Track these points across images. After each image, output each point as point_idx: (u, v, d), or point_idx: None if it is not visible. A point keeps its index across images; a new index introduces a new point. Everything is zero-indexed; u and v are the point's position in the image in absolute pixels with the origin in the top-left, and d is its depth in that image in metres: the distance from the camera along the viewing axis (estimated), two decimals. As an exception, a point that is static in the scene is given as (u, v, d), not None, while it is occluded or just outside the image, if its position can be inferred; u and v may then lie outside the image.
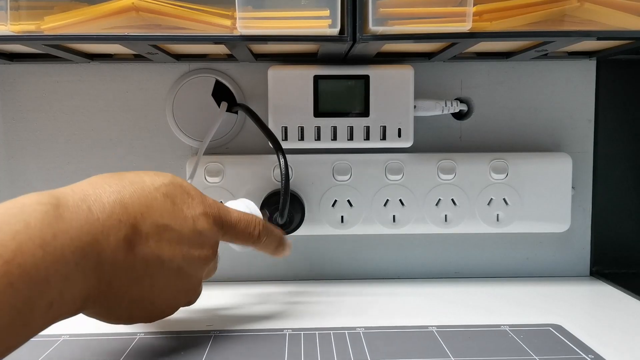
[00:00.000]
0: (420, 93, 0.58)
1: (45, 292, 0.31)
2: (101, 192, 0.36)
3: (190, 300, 0.43)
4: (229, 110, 0.58)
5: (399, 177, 0.58)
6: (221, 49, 0.53)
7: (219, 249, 0.44)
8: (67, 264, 0.32)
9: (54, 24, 0.44)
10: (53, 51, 0.51)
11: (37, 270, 0.30)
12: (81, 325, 0.46)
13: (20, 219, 0.31)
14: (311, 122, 0.55)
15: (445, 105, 0.58)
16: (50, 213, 0.32)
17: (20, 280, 0.29)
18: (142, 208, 0.37)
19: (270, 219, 0.55)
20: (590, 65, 0.60)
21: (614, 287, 0.58)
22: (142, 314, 0.39)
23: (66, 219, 0.33)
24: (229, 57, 0.57)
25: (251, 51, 0.53)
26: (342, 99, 0.55)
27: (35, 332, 0.32)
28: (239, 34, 0.44)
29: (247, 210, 0.47)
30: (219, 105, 0.58)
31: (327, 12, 0.44)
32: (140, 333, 0.44)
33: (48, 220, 0.32)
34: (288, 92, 0.55)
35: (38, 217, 0.31)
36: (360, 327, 0.45)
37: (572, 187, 0.59)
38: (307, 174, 0.58)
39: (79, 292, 0.33)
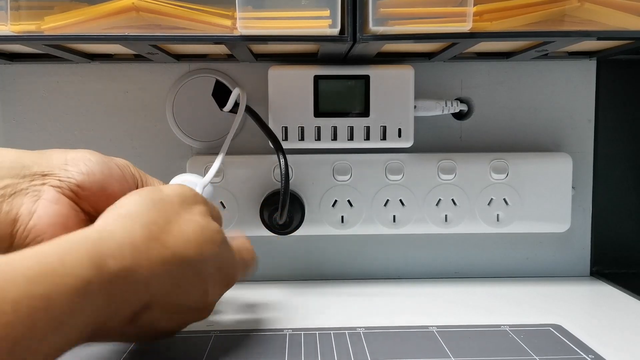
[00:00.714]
0: (421, 93, 0.58)
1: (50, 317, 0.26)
2: (142, 261, 0.32)
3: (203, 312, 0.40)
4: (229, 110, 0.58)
5: (399, 177, 0.58)
6: (221, 49, 0.53)
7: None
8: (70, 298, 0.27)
9: (54, 24, 0.44)
10: (53, 51, 0.51)
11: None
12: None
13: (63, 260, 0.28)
14: (311, 122, 0.55)
15: (446, 105, 0.58)
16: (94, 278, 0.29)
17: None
18: (167, 287, 0.33)
19: (270, 218, 0.56)
20: (591, 65, 0.60)
21: (614, 287, 0.58)
22: (141, 336, 0.36)
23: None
24: (229, 57, 0.57)
25: (251, 51, 0.53)
26: (342, 99, 0.55)
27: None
28: (239, 34, 0.44)
29: (179, 181, 0.46)
30: (219, 105, 0.58)
31: (327, 12, 0.44)
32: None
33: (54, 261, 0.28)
34: (288, 92, 0.55)
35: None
36: (360, 327, 0.46)
37: (573, 187, 0.59)
38: (307, 174, 0.58)
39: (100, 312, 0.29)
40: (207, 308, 0.38)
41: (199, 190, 0.48)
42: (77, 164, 0.40)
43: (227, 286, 0.41)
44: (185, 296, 0.35)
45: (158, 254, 0.33)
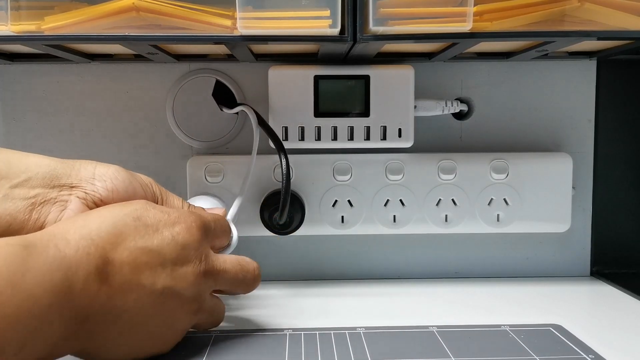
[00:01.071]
0: (421, 93, 0.58)
1: (16, 332, 0.29)
2: (66, 229, 0.35)
3: (196, 322, 0.41)
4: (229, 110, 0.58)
5: (399, 177, 0.58)
6: (221, 49, 0.53)
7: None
8: (38, 302, 0.31)
9: (54, 24, 0.44)
10: (53, 51, 0.51)
11: (5, 308, 0.29)
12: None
13: None
14: (312, 122, 0.55)
15: (446, 105, 0.58)
16: (19, 253, 0.31)
17: None
18: (111, 237, 0.35)
19: (271, 218, 0.56)
20: (591, 65, 0.60)
21: (614, 287, 0.58)
22: (134, 348, 0.37)
23: (34, 258, 0.32)
24: (230, 57, 0.57)
25: (251, 51, 0.53)
26: (342, 99, 0.55)
27: None
28: (239, 34, 0.44)
29: (211, 205, 0.47)
30: (219, 106, 0.58)
31: (327, 12, 0.44)
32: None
33: (16, 259, 0.31)
34: (288, 92, 0.55)
35: (6, 257, 0.31)
36: (360, 327, 0.46)
37: (573, 187, 0.59)
38: (307, 174, 0.58)
39: (54, 332, 0.32)
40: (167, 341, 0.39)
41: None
42: (104, 179, 0.42)
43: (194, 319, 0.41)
44: (145, 239, 0.37)
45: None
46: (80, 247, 0.34)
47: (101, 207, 0.39)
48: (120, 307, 0.35)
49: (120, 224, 0.36)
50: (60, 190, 0.40)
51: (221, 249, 0.45)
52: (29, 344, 0.30)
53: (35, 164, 0.41)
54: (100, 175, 0.42)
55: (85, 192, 0.41)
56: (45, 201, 0.40)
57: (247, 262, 0.43)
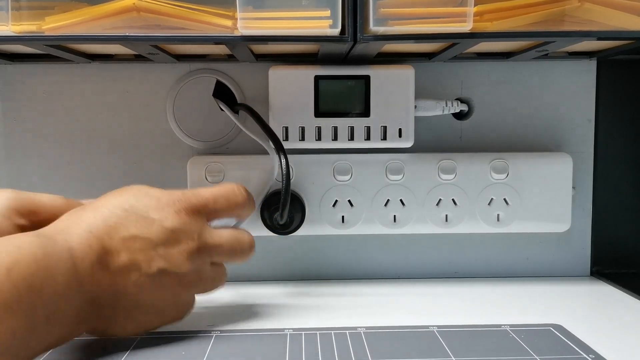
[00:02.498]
0: (421, 93, 0.58)
1: (41, 303, 0.34)
2: (68, 224, 0.39)
3: (200, 291, 0.45)
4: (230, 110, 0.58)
5: (399, 177, 0.58)
6: (222, 49, 0.53)
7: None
8: (57, 281, 0.35)
9: (54, 25, 0.44)
10: (54, 51, 0.51)
11: (34, 279, 0.33)
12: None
13: (12, 242, 0.35)
14: (312, 122, 0.56)
15: (446, 105, 0.58)
16: (34, 241, 0.36)
17: (22, 284, 0.33)
18: (107, 229, 0.39)
19: (271, 218, 0.56)
20: (591, 65, 0.60)
21: (614, 287, 0.58)
22: (143, 323, 0.42)
23: (49, 245, 0.36)
24: (230, 58, 0.57)
25: (252, 51, 0.53)
26: (342, 99, 0.55)
27: (34, 351, 0.35)
28: (239, 34, 0.44)
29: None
30: (219, 106, 0.58)
31: (327, 13, 0.44)
32: (141, 333, 0.44)
33: (34, 244, 0.35)
34: (289, 92, 0.55)
35: (24, 241, 0.35)
36: (361, 327, 0.46)
37: (573, 187, 0.59)
38: (307, 174, 0.58)
39: (71, 311, 0.37)
40: (179, 310, 0.44)
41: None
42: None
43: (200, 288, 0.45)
44: (136, 228, 0.40)
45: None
46: (83, 239, 0.38)
47: (97, 199, 0.43)
48: (122, 290, 0.40)
49: (112, 218, 0.40)
50: None
51: (237, 221, 0.48)
52: (52, 318, 0.35)
53: None
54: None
55: None
56: None
57: (242, 234, 0.46)
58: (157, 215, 0.41)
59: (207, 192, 0.45)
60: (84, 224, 0.39)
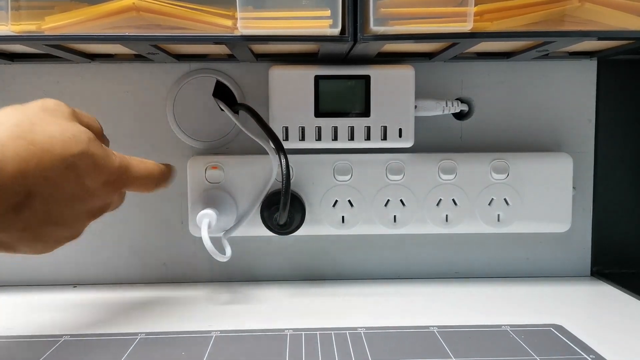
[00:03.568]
0: (421, 93, 0.58)
1: None
2: (8, 154, 0.36)
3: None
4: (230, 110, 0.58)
5: (399, 177, 0.58)
6: (222, 49, 0.53)
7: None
8: None
9: (54, 24, 0.44)
10: (54, 51, 0.51)
11: None
12: (82, 326, 0.47)
13: None
14: (312, 122, 0.55)
15: (446, 105, 0.58)
16: None
17: None
18: (40, 180, 0.38)
19: (271, 218, 0.56)
20: (591, 65, 0.60)
21: (615, 287, 0.58)
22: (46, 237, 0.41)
23: None
24: (230, 57, 0.57)
25: (252, 51, 0.53)
26: (343, 99, 0.55)
27: None
28: (239, 34, 0.44)
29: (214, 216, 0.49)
30: (219, 105, 0.58)
31: (328, 12, 0.44)
32: (141, 333, 0.44)
33: None
34: (289, 92, 0.55)
35: None
36: (361, 327, 0.46)
37: (573, 187, 0.59)
38: (307, 174, 0.58)
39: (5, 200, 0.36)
40: (89, 199, 0.42)
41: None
42: None
43: (111, 182, 0.43)
44: (62, 188, 0.39)
45: (25, 149, 0.37)
46: (15, 179, 0.37)
47: (52, 130, 0.40)
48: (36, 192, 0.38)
49: (54, 168, 0.38)
50: None
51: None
52: None
53: None
54: None
55: None
56: None
57: (153, 167, 0.47)
58: (90, 183, 0.41)
59: (135, 172, 0.46)
60: (22, 163, 0.37)
